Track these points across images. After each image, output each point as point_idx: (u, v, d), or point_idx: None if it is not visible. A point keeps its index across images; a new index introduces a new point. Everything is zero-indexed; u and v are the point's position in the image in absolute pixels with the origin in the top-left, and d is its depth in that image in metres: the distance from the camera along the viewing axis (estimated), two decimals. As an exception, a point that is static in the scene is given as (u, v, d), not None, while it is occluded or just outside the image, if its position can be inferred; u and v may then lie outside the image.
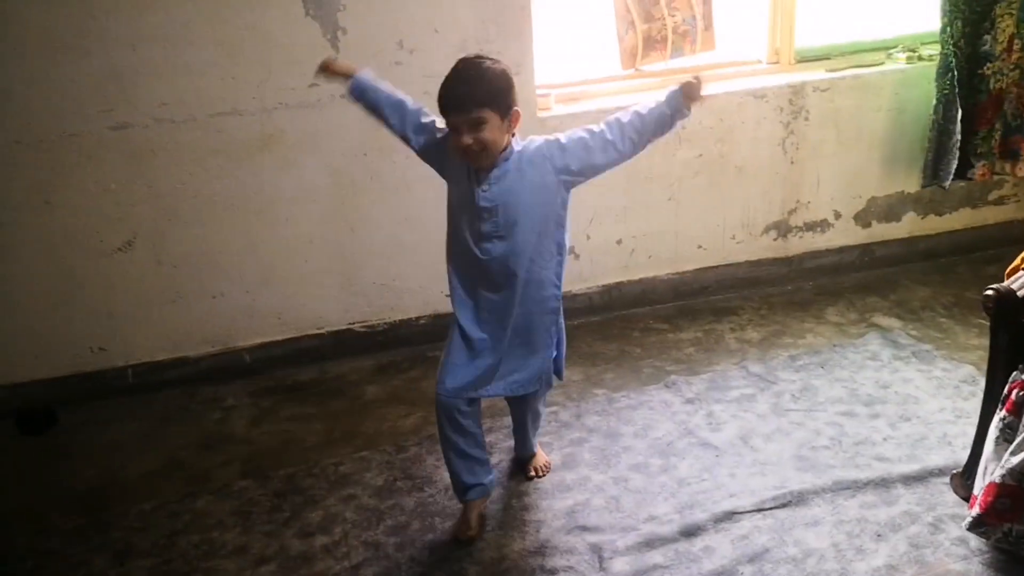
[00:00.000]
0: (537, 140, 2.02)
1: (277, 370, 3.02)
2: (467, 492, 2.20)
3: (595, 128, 2.00)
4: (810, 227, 3.37)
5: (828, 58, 3.27)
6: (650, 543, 2.13)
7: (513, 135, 1.98)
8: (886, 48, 3.31)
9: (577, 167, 2.01)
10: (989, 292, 1.98)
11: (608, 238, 3.22)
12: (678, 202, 3.23)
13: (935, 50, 3.12)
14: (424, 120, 2.09)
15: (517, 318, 2.07)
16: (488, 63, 1.95)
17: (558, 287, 2.14)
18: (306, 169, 2.84)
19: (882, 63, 3.26)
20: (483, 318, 2.09)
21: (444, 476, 2.42)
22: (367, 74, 2.12)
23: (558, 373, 2.26)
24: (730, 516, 2.20)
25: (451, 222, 2.11)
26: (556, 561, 2.10)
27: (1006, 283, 1.98)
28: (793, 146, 3.23)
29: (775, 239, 3.36)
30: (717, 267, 3.36)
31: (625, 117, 1.99)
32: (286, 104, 2.75)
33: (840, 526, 2.13)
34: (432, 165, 2.14)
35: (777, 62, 3.24)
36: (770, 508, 2.22)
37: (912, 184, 3.39)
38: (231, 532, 2.28)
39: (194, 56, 2.65)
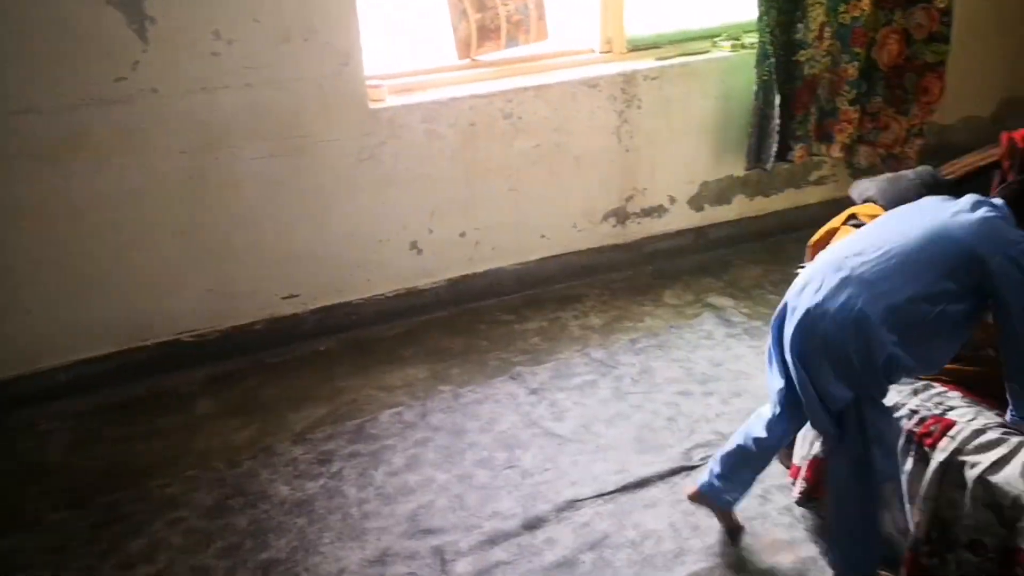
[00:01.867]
0: None
1: (98, 388, 2.78)
2: None
3: None
4: (647, 213, 3.45)
5: (658, 47, 3.34)
6: (493, 540, 2.11)
7: None
8: (712, 36, 3.41)
9: None
10: (800, 269, 2.06)
11: (451, 231, 3.17)
12: (519, 192, 3.22)
13: (756, 38, 3.24)
14: None
15: None
16: None
17: None
18: (120, 170, 2.63)
19: (708, 51, 3.36)
20: None
21: (280, 490, 2.32)
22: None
23: None
24: (572, 505, 2.21)
25: None
26: (397, 568, 2.04)
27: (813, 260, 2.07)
28: (628, 134, 3.28)
29: (614, 226, 3.41)
30: (560, 256, 3.38)
31: None
32: (92, 100, 2.53)
33: (677, 505, 2.18)
34: None
35: (609, 51, 3.28)
36: (611, 493, 2.25)
37: (740, 168, 3.51)
38: (43, 571, 2.08)
39: (-23, 49, 2.39)
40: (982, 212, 1.77)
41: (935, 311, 1.72)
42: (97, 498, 2.32)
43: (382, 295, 3.14)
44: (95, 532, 2.20)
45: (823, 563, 1.98)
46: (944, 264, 1.74)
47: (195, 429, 2.61)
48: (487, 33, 3.08)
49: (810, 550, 2.01)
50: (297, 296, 3.02)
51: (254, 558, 2.09)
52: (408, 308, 3.17)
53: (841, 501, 1.86)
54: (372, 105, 2.86)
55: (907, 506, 1.82)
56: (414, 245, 3.12)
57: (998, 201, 1.82)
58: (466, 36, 3.07)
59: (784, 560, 1.99)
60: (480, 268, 3.28)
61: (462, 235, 3.20)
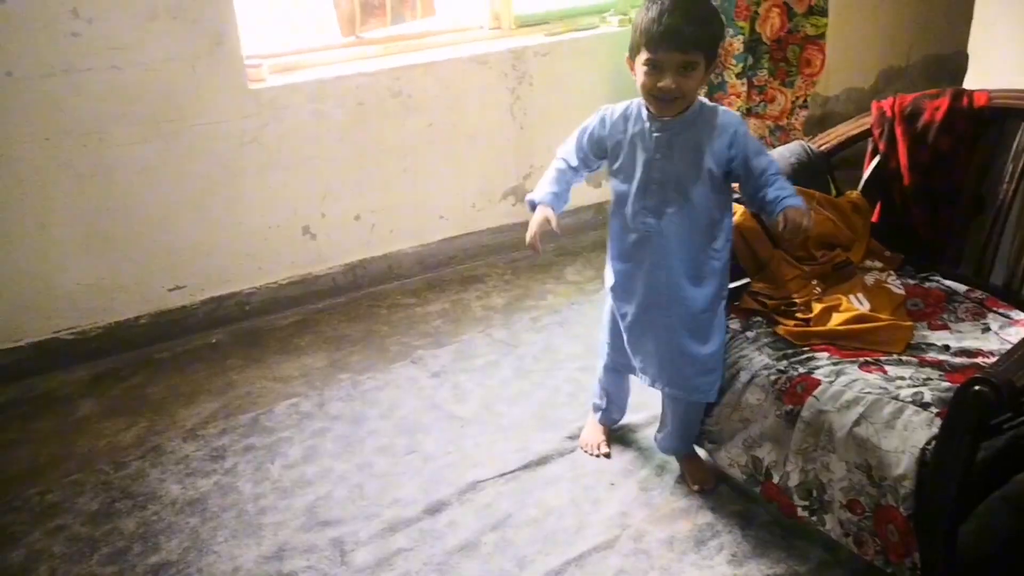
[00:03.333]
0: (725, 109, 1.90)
1: (-32, 394, 2.61)
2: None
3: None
4: (545, 190, 3.44)
5: (547, 23, 3.32)
6: (394, 527, 2.07)
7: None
8: (600, 12, 3.42)
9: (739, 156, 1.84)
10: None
11: (345, 214, 3.09)
12: (414, 173, 3.16)
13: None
14: (580, 154, 2.03)
15: None
16: (706, 4, 1.87)
17: None
18: (-25, 160, 2.45)
19: (597, 27, 3.37)
20: None
21: (171, 490, 2.22)
22: (542, 194, 2.04)
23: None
24: (474, 487, 2.19)
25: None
26: (295, 563, 1.98)
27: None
28: (521, 111, 3.26)
29: (514, 204, 3.39)
30: (460, 236, 3.34)
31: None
32: (-64, 85, 2.35)
33: (578, 480, 2.19)
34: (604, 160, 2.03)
35: (498, 27, 3.25)
36: (512, 471, 2.24)
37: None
38: (-94, 593, 1.94)
39: None
40: None
41: None
42: (-32, 511, 2.17)
43: (275, 283, 3.03)
44: (-34, 548, 2.06)
45: (720, 527, 2.02)
46: None
47: (77, 431, 2.47)
48: (371, 10, 3.00)
49: (706, 516, 2.05)
50: (184, 287, 2.89)
51: (143, 562, 2.00)
52: (303, 295, 3.08)
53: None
54: (252, 85, 2.75)
55: (763, 442, 1.92)
56: (306, 230, 3.03)
57: None
58: (350, 12, 2.98)
59: (683, 528, 2.02)
60: (378, 251, 3.21)
61: (357, 218, 3.12)
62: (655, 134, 1.87)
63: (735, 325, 2.07)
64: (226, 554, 2.01)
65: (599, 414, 2.32)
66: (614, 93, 3.39)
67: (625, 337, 2.06)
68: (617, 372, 2.22)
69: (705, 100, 1.89)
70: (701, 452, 2.17)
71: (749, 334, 2.03)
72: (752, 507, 2.06)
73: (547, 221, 1.98)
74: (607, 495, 2.14)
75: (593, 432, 2.32)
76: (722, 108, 1.89)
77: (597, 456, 2.26)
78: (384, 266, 3.23)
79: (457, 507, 2.13)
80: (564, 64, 3.26)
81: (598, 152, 2.00)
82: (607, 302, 2.11)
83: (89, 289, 2.73)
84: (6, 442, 2.44)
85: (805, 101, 3.46)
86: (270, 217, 2.94)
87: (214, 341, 2.90)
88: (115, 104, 2.56)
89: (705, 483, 2.14)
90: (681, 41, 1.73)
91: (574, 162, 2.03)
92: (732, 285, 2.05)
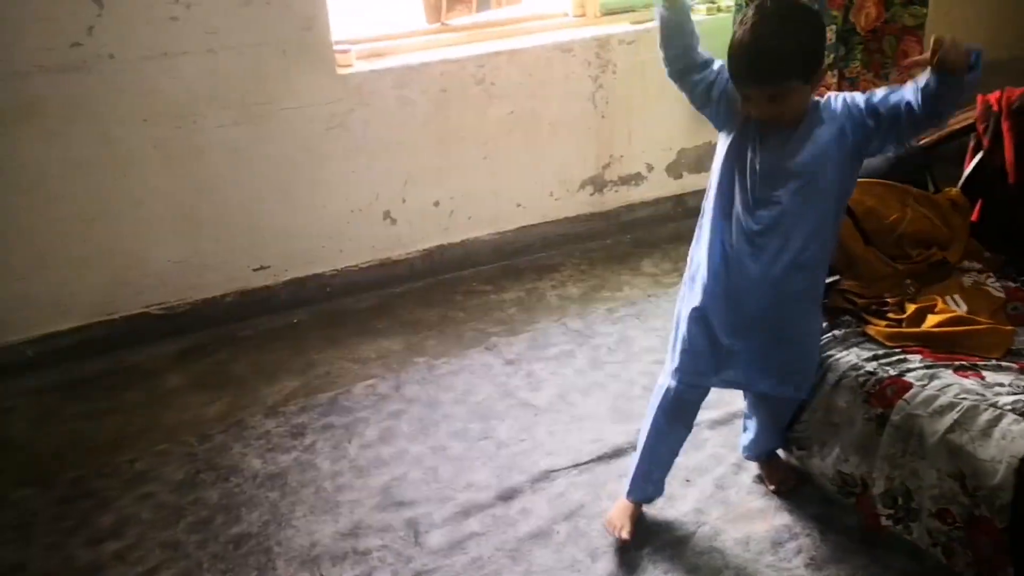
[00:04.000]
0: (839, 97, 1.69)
1: (64, 363, 2.72)
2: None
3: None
4: (625, 181, 3.41)
5: (632, 10, 3.27)
6: (467, 511, 2.08)
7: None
8: (688, 0, 3.35)
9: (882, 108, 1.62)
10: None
11: (425, 200, 3.12)
12: (494, 160, 3.16)
13: (732, 1, 3.18)
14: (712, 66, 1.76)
15: None
16: (798, 14, 1.60)
17: None
18: (75, 140, 2.55)
19: (684, 15, 3.30)
20: None
21: (252, 464, 2.29)
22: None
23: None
24: (547, 475, 2.19)
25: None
26: (370, 541, 2.01)
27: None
28: (603, 100, 3.22)
29: (592, 194, 3.37)
30: (537, 225, 3.33)
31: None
32: (44, 67, 2.44)
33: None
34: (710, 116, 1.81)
35: (583, 15, 3.22)
36: (586, 463, 2.22)
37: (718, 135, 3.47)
38: (7, 548, 2.04)
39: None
40: None
41: None
42: (63, 474, 2.27)
43: (355, 266, 3.08)
44: (62, 508, 2.16)
45: (798, 529, 1.97)
46: None
47: (164, 404, 2.56)
48: (457, -3, 3.01)
49: (784, 518, 2.01)
50: (268, 268, 2.96)
51: (225, 532, 2.06)
52: (382, 279, 3.12)
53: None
54: (340, 71, 2.79)
55: (851, 455, 1.83)
56: (387, 215, 3.07)
57: None
58: (436, 0, 2.99)
59: (759, 529, 1.98)
60: (456, 238, 3.23)
61: (436, 204, 3.14)
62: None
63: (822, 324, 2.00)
64: (304, 529, 2.06)
65: (636, 492, 1.99)
66: (699, 83, 3.34)
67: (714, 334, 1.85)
68: (680, 415, 1.94)
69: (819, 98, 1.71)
70: (781, 453, 2.12)
71: (837, 333, 1.96)
72: (833, 510, 2.00)
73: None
74: (682, 491, 2.11)
75: (622, 511, 1.98)
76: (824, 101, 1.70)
77: (617, 537, 1.94)
78: (461, 253, 3.25)
79: (530, 495, 2.13)
80: (649, 52, 3.19)
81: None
82: (682, 305, 1.90)
83: (178, 266, 2.82)
84: (97, 411, 2.54)
85: (900, 94, 3.33)
86: (353, 201, 2.99)
87: (295, 321, 2.96)
88: (208, 87, 2.63)
89: (784, 484, 2.08)
90: (764, 75, 1.58)
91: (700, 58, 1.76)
92: (822, 281, 1.99)
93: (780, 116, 1.65)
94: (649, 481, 1.98)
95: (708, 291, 1.81)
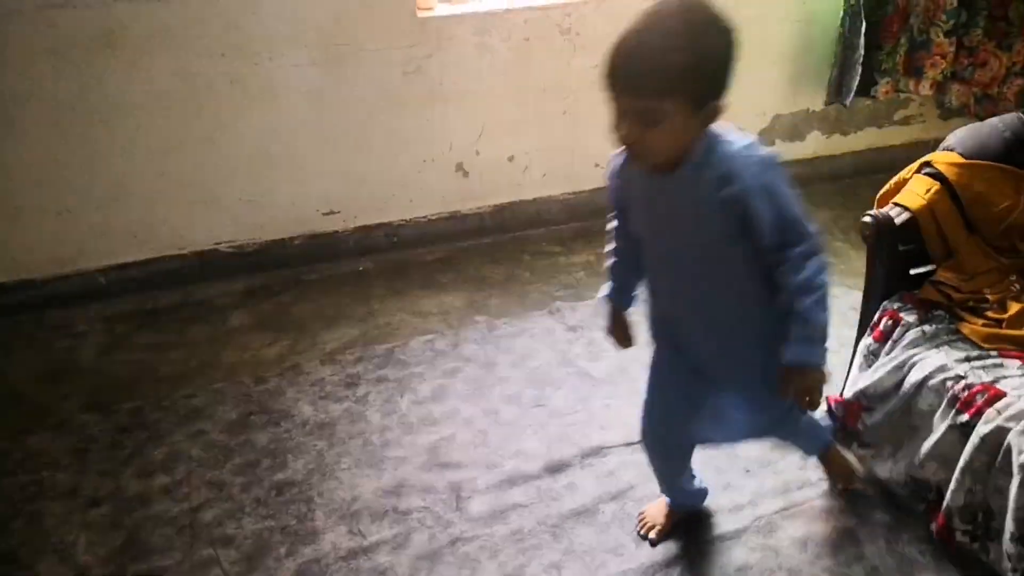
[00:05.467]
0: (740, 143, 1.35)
1: (135, 294, 2.77)
2: None
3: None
4: (712, 145, 3.22)
5: (735, -37, 3.05)
6: (512, 480, 2.02)
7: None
8: (797, -46, 3.11)
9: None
10: (867, 219, 1.86)
11: (499, 154, 3.02)
12: (574, 116, 3.03)
13: None
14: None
15: None
16: (709, 27, 1.27)
17: None
18: (155, 71, 2.54)
19: (789, -32, 3.07)
20: None
21: (303, 410, 2.28)
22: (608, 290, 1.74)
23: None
24: (598, 451, 2.11)
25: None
26: (411, 501, 1.98)
27: (884, 209, 1.87)
28: (695, 58, 3.03)
29: (675, 157, 3.20)
30: (615, 186, 3.19)
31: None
32: (126, -5, 2.44)
33: (709, 462, 2.04)
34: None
35: (681, -35, 3.01)
36: (640, 442, 2.12)
37: (818, 102, 3.25)
38: (64, 472, 2.09)
39: (12, -64, 2.30)
40: None
41: None
42: (123, 403, 2.32)
43: (424, 217, 3.03)
44: (118, 437, 2.20)
45: (861, 535, 1.84)
46: None
47: (226, 341, 2.58)
48: (549, -60, 2.86)
49: (848, 521, 1.87)
50: (337, 213, 2.93)
51: (270, 477, 2.06)
52: (450, 233, 3.06)
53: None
54: (420, 13, 2.69)
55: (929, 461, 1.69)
56: (460, 167, 2.99)
57: None
58: (526, -57, 2.85)
59: (819, 530, 1.86)
60: (528, 195, 3.13)
61: (511, 159, 3.04)
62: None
63: (910, 317, 1.84)
64: (347, 482, 2.04)
65: (669, 498, 1.88)
66: (803, 44, 3.12)
67: None
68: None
69: (721, 141, 1.34)
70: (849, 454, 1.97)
71: (927, 328, 1.80)
72: (903, 518, 1.86)
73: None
74: (740, 482, 1.99)
75: (659, 508, 1.89)
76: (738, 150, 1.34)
77: (642, 535, 1.87)
78: (533, 210, 3.15)
79: (578, 469, 2.05)
80: (748, 8, 2.93)
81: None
82: None
83: (249, 205, 2.82)
84: (164, 343, 2.58)
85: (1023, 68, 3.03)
86: (426, 151, 2.91)
87: (361, 269, 2.94)
88: (287, 24, 2.58)
89: (850, 482, 1.95)
90: (637, 78, 1.25)
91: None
92: (915, 271, 1.82)
93: (654, 147, 1.31)
94: (675, 490, 1.86)
95: None
